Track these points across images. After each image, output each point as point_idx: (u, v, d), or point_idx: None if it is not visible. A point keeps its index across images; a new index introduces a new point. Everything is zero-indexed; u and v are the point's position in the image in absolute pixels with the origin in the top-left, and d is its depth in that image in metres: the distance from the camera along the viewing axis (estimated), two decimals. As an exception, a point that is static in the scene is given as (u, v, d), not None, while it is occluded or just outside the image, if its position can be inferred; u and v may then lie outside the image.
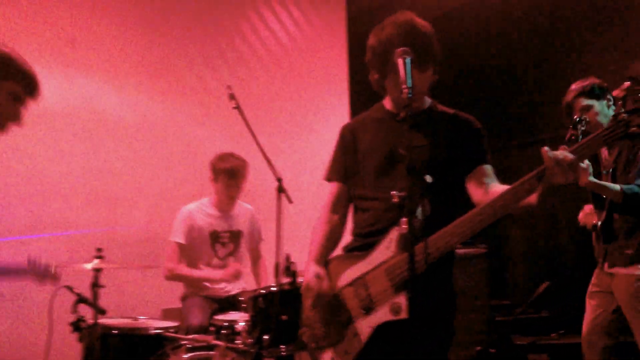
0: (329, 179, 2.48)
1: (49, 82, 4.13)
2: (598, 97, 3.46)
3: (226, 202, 4.30)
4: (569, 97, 3.55)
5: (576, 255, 5.77)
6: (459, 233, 2.02)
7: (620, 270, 3.35)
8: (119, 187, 4.89)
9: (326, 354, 2.19)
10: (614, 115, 1.94)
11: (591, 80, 3.50)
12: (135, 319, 3.59)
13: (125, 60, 5.02)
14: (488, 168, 2.27)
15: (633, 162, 3.33)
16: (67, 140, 4.76)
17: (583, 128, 3.31)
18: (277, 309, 3.15)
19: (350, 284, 2.18)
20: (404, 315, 2.01)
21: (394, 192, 1.91)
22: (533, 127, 6.40)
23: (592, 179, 3.31)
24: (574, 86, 3.55)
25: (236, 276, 4.22)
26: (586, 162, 3.32)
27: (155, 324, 3.47)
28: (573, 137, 3.28)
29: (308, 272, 2.28)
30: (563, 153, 1.92)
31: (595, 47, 5.77)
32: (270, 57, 5.69)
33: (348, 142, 2.40)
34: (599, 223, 3.47)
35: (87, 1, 4.93)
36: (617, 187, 3.24)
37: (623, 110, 1.93)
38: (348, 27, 6.05)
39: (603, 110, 3.43)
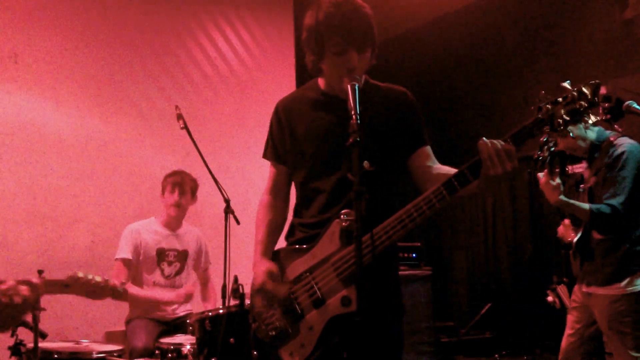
0: (268, 157, 2.44)
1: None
2: None
3: (173, 218, 4.23)
4: None
5: (515, 278, 5.90)
6: (401, 225, 2.02)
7: (597, 290, 3.35)
8: (61, 206, 4.76)
9: (284, 349, 2.19)
10: (538, 107, 1.91)
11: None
12: (78, 342, 3.48)
13: (68, 77, 4.92)
14: (428, 149, 2.29)
15: (612, 181, 3.29)
16: (6, 158, 4.62)
17: (552, 149, 3.28)
18: (225, 332, 3.12)
19: (299, 279, 2.18)
20: (354, 307, 2.02)
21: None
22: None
23: (562, 197, 3.33)
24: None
25: (187, 299, 4.15)
26: (557, 180, 3.37)
27: (99, 348, 3.36)
28: (540, 159, 3.28)
29: (258, 268, 2.25)
30: (500, 142, 1.91)
31: (532, 76, 5.98)
32: (218, 77, 5.68)
33: (284, 123, 2.36)
34: (575, 240, 3.48)
35: (30, 16, 4.83)
36: (586, 206, 3.27)
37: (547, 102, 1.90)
38: (296, 46, 6.10)
39: (581, 134, 3.35)
